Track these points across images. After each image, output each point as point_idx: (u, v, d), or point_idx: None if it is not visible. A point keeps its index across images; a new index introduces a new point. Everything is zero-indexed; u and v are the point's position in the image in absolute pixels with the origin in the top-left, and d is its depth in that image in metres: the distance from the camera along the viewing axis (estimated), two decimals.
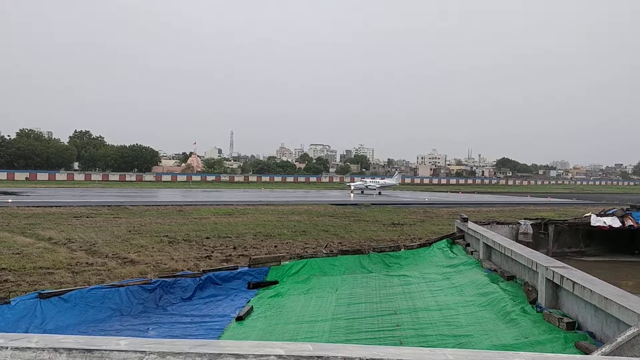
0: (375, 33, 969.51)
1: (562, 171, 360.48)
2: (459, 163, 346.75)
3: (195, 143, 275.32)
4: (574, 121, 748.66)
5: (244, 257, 24.88)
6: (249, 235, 34.93)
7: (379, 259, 17.47)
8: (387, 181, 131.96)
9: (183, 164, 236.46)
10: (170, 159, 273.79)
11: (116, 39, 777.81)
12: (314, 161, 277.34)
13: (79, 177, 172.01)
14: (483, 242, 15.60)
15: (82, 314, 12.20)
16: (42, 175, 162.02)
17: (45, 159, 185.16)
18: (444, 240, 18.66)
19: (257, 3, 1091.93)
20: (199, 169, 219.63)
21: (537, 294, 10.42)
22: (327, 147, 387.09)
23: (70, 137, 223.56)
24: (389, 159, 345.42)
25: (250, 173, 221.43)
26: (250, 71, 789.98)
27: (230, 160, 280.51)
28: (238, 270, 15.74)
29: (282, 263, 16.33)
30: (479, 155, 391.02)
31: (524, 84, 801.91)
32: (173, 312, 13.09)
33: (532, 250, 13.45)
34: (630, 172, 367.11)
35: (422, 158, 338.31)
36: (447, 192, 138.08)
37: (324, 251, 18.23)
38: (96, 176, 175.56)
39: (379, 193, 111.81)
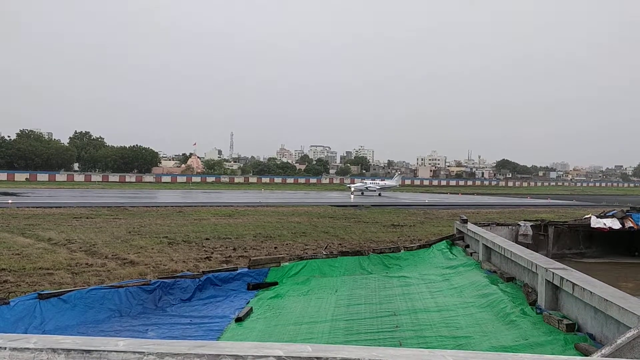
0: (376, 35, 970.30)
1: (562, 173, 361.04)
2: (458, 164, 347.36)
3: (195, 144, 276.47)
4: (574, 123, 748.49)
5: (244, 259, 24.87)
6: (248, 236, 34.91)
7: (379, 260, 17.45)
8: (387, 182, 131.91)
9: (183, 165, 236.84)
10: (170, 160, 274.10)
11: (116, 39, 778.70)
12: (314, 162, 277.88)
13: (79, 177, 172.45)
14: (483, 244, 15.59)
15: (82, 314, 12.20)
16: (42, 176, 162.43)
17: (45, 160, 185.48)
18: (444, 241, 18.66)
19: (256, 3, 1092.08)
20: (199, 170, 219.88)
21: (537, 296, 10.42)
22: (327, 148, 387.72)
23: (70, 138, 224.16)
24: (389, 160, 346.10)
25: (250, 174, 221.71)
26: (251, 72, 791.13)
27: (230, 162, 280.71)
28: (238, 272, 15.73)
29: (281, 264, 16.32)
30: (479, 157, 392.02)
31: (524, 85, 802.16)
32: (172, 313, 13.08)
33: (532, 251, 13.45)
34: (630, 173, 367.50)
35: (422, 159, 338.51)
36: (447, 193, 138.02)
37: (324, 252, 18.22)
38: (96, 177, 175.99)
39: (379, 194, 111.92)
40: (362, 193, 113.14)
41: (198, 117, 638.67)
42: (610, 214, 23.25)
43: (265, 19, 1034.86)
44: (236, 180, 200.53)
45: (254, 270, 15.78)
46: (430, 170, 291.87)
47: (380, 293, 13.59)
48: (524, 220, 24.25)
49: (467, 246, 17.62)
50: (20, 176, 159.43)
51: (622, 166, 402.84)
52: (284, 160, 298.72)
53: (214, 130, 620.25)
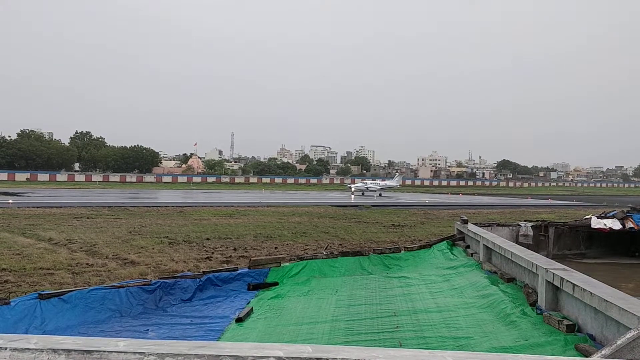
0: (376, 36, 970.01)
1: (562, 173, 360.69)
2: (459, 165, 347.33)
3: (195, 144, 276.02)
4: (574, 123, 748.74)
5: (244, 259, 24.89)
6: (249, 236, 34.92)
7: (379, 261, 17.44)
8: (388, 183, 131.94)
9: (184, 165, 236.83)
10: (170, 160, 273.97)
11: (117, 40, 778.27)
12: (315, 162, 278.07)
13: (80, 177, 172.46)
14: (483, 244, 15.59)
15: (82, 314, 12.20)
16: (43, 176, 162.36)
17: (46, 160, 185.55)
18: (444, 242, 18.64)
19: (256, 5, 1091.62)
20: (199, 170, 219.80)
21: (537, 296, 10.42)
22: (327, 148, 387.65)
23: (71, 137, 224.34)
24: (389, 160, 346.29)
25: (251, 174, 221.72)
26: (251, 73, 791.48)
27: (230, 162, 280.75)
28: (238, 272, 15.72)
29: (282, 264, 16.31)
30: (480, 157, 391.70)
31: (523, 85, 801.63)
32: (173, 314, 13.08)
33: (533, 252, 13.44)
34: (630, 174, 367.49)
35: (422, 160, 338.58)
36: (447, 194, 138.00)
37: (324, 253, 18.19)
38: (97, 177, 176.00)
39: (380, 195, 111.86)
40: (363, 193, 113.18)
41: (199, 117, 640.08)
42: (611, 214, 23.24)
43: (265, 19, 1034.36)
44: (237, 180, 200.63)
45: (254, 271, 15.78)
46: (431, 171, 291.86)
47: (380, 293, 13.58)
48: (525, 221, 24.23)
49: (468, 247, 17.61)
50: (21, 176, 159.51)
51: (622, 166, 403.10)
52: (285, 160, 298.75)
53: (215, 130, 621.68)
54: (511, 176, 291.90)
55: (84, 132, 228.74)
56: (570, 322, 8.76)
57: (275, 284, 15.56)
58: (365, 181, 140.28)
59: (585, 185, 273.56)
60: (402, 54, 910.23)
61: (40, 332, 10.95)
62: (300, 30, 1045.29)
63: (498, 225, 22.88)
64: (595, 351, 6.77)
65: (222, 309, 13.25)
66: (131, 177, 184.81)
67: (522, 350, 8.28)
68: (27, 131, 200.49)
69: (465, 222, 18.73)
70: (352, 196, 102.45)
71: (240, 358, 3.09)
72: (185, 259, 25.59)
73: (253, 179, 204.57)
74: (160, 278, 14.83)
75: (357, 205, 71.92)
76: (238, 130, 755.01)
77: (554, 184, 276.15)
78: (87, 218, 44.59)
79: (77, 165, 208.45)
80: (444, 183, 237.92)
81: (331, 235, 36.76)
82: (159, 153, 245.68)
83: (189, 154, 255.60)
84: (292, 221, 46.59)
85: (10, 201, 63.58)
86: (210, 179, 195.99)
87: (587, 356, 7.03)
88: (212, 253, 27.71)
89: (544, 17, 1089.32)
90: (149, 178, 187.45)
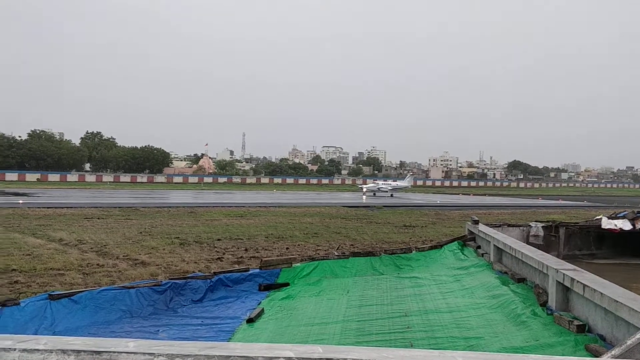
0: (386, 35, 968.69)
1: (573, 174, 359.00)
2: (470, 165, 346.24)
3: (207, 144, 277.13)
4: (585, 123, 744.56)
5: (255, 259, 24.88)
6: (260, 237, 34.90)
7: (390, 261, 17.44)
8: (399, 183, 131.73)
9: (195, 166, 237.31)
10: (181, 160, 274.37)
11: (127, 40, 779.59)
12: (326, 163, 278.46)
13: (90, 178, 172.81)
14: (494, 245, 15.56)
15: (92, 315, 12.25)
16: (53, 177, 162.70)
17: (57, 160, 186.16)
18: (455, 242, 18.62)
19: (265, 4, 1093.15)
20: (210, 171, 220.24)
21: (548, 297, 10.39)
22: (339, 149, 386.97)
23: (81, 138, 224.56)
24: (401, 161, 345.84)
25: (262, 175, 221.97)
26: (262, 73, 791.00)
27: (242, 162, 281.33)
28: (249, 272, 15.76)
29: (293, 265, 16.34)
30: (491, 158, 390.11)
31: (534, 86, 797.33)
32: (183, 314, 13.11)
33: (543, 252, 13.40)
34: None
35: (433, 160, 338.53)
36: (458, 194, 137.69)
37: (336, 253, 18.21)
38: (107, 177, 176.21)
39: (391, 195, 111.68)
40: (374, 194, 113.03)
41: (210, 117, 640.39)
42: (621, 215, 23.17)
43: (274, 19, 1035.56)
44: (248, 180, 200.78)
45: (265, 271, 15.81)
46: (442, 171, 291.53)
47: (391, 294, 13.59)
48: (535, 221, 24.19)
49: (479, 247, 17.59)
50: (32, 176, 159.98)
51: (633, 167, 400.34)
52: (296, 160, 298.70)
53: (226, 131, 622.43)
54: (522, 177, 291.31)
55: (95, 132, 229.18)
56: (581, 323, 8.74)
57: (287, 284, 15.58)
58: (376, 182, 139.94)
59: (595, 185, 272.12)
60: (413, 53, 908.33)
61: (50, 333, 11.00)
62: (309, 30, 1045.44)
63: (509, 225, 22.87)
64: (606, 351, 6.75)
65: (233, 310, 13.28)
66: (142, 178, 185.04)
67: (533, 350, 8.28)
68: (38, 131, 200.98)
69: (476, 222, 18.71)
70: (364, 197, 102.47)
71: (250, 359, 3.09)
72: (196, 260, 25.60)
73: (264, 180, 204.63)
74: (171, 279, 14.88)
75: (368, 206, 71.85)
76: (249, 130, 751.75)
77: (565, 184, 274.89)
78: (98, 218, 44.69)
79: (87, 166, 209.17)
80: (455, 184, 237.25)
81: (343, 236, 36.72)
82: (170, 153, 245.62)
83: (200, 155, 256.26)
84: (304, 222, 46.56)
85: (21, 201, 63.81)
86: (222, 180, 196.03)
87: (597, 356, 7.02)
88: (223, 254, 27.71)
89: (554, 17, 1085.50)
90: (159, 178, 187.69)
